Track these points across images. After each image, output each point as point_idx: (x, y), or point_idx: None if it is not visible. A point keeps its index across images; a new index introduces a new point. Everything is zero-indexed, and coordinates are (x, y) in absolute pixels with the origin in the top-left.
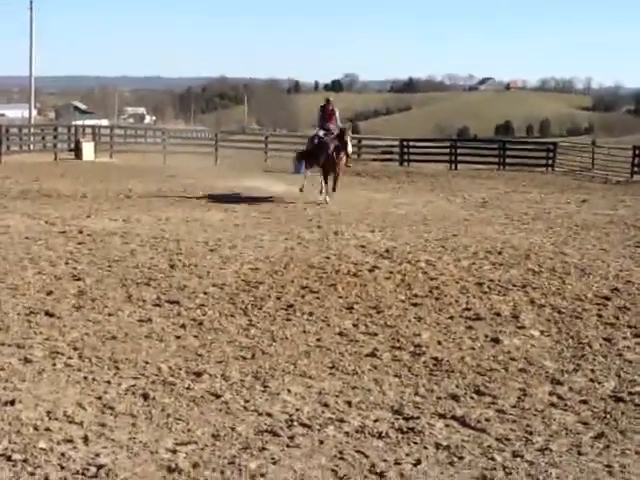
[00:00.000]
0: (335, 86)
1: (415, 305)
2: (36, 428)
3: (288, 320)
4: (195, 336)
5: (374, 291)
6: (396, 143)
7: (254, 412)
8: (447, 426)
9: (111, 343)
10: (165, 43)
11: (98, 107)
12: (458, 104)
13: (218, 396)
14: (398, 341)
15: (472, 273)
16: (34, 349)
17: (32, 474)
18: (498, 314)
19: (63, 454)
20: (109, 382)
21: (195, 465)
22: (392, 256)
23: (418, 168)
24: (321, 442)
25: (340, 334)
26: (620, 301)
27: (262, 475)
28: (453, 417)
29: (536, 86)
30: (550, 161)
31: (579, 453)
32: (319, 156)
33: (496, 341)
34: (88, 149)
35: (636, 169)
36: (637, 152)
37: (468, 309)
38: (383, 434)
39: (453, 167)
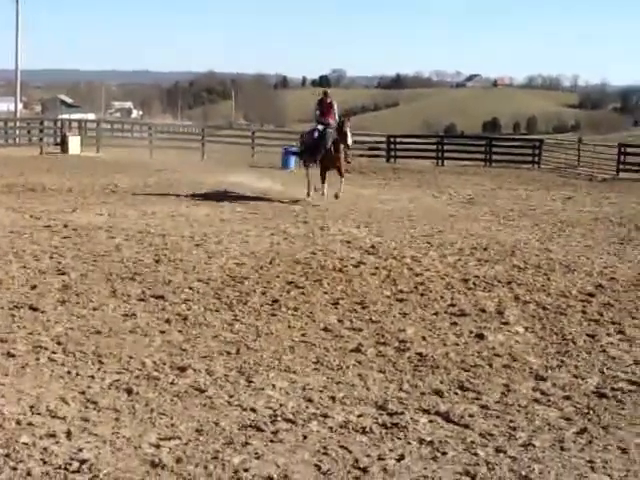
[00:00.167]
0: (323, 82)
1: (400, 301)
2: (19, 422)
3: (273, 315)
4: (180, 331)
5: (359, 287)
6: (383, 139)
7: (238, 407)
8: (431, 422)
9: (95, 338)
10: (153, 38)
11: (85, 101)
12: (445, 100)
13: (202, 391)
14: (383, 337)
15: (457, 269)
16: (17, 343)
17: (14, 469)
18: (483, 310)
19: (46, 449)
20: (93, 377)
21: (178, 460)
22: (378, 252)
23: (405, 164)
24: (305, 437)
25: (325, 329)
26: (604, 298)
27: (245, 470)
28: (437, 413)
29: (523, 83)
30: (536, 158)
31: (562, 449)
32: (316, 151)
33: (480, 337)
34: (74, 143)
35: (621, 167)
36: (623, 150)
37: (453, 305)
38: (367, 429)
39: (440, 163)
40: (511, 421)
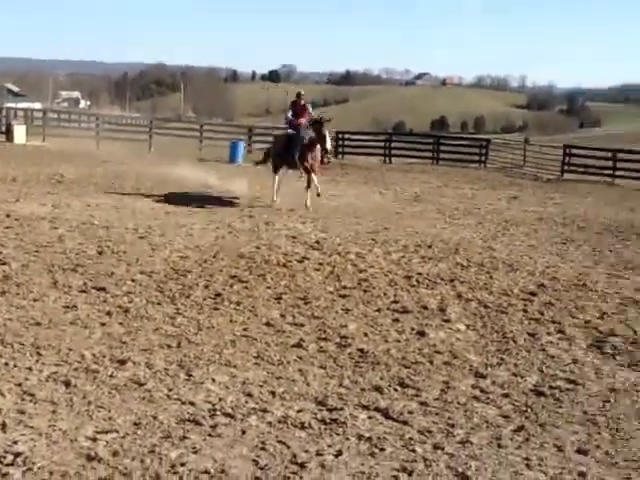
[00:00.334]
0: (273, 76)
1: (343, 297)
2: None
3: (215, 309)
4: (120, 323)
5: (303, 282)
6: (332, 135)
7: (177, 401)
8: (370, 418)
9: (34, 329)
10: (104, 27)
11: (32, 90)
12: (394, 98)
13: (141, 384)
14: (325, 332)
15: (401, 266)
16: None
17: None
18: (425, 307)
19: None
20: (30, 369)
21: (115, 453)
22: (322, 247)
23: (352, 160)
24: (243, 432)
25: (267, 324)
26: (545, 297)
27: (182, 464)
28: (376, 409)
29: (472, 83)
30: (483, 157)
31: (499, 446)
32: (290, 154)
33: (422, 334)
34: (20, 132)
35: (566, 168)
36: (568, 151)
37: (396, 302)
38: (306, 425)
39: (387, 161)
40: (450, 418)
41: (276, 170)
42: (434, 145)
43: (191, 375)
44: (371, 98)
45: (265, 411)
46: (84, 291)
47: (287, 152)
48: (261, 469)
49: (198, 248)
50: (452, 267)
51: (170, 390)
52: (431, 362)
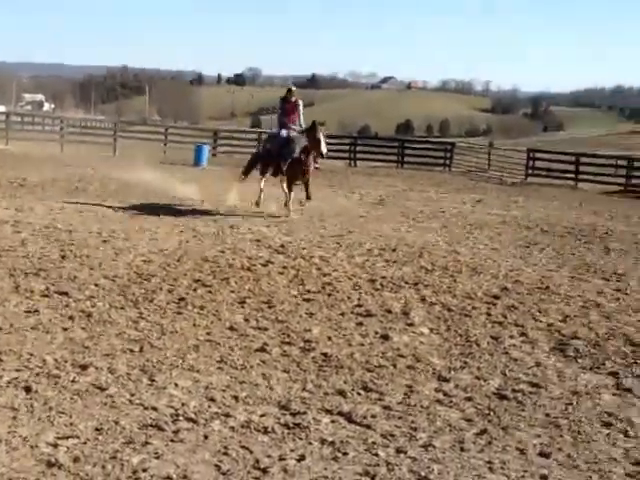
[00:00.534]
0: (238, 80)
1: (307, 301)
2: None
3: (179, 313)
4: (83, 328)
5: (267, 286)
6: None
7: (139, 406)
8: (333, 422)
9: None
10: (68, 29)
11: None
12: (360, 102)
13: (103, 389)
14: (288, 336)
15: (365, 270)
16: None
17: None
18: (389, 311)
19: None
20: None
21: (76, 459)
22: (287, 251)
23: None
24: (206, 437)
25: (230, 328)
26: (509, 300)
27: (144, 470)
28: (339, 413)
29: (437, 87)
30: (448, 161)
31: (462, 449)
32: (282, 160)
33: (385, 338)
34: None
35: (530, 171)
36: (531, 155)
37: (360, 305)
38: (269, 429)
39: (352, 164)
40: (413, 422)
41: (263, 173)
42: (399, 149)
43: (154, 380)
44: (336, 102)
45: (228, 416)
46: (46, 295)
47: (280, 155)
48: (223, 474)
49: (162, 252)
50: (416, 271)
51: (132, 395)
52: (394, 366)
